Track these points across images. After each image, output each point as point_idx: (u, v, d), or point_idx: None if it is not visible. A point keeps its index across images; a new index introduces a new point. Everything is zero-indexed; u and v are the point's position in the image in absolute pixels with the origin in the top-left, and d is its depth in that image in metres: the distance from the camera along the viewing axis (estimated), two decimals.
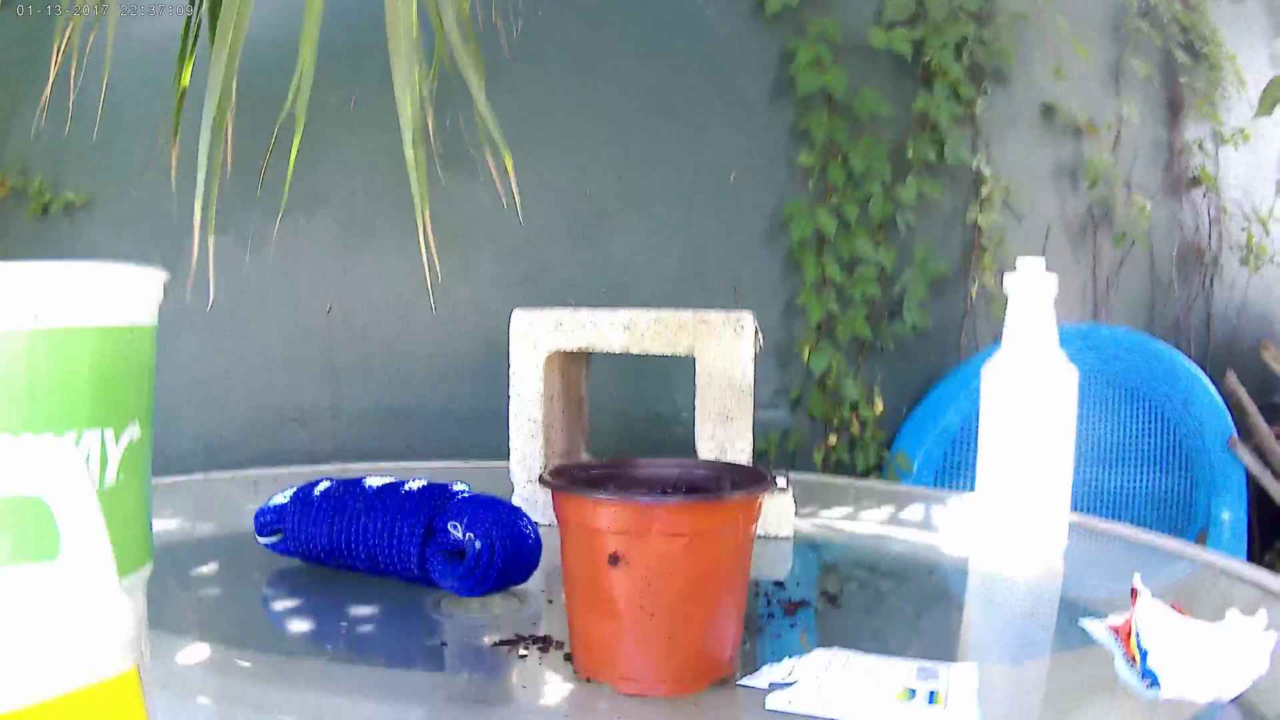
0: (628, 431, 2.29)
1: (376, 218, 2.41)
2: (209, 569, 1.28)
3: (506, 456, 1.48)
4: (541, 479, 0.86)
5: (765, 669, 0.86)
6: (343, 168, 2.40)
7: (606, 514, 0.80)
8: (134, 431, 0.71)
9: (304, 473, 1.54)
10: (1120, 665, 0.84)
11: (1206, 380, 2.69)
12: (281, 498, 1.24)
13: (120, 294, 0.70)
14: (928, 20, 2.67)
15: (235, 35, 1.49)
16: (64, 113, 1.88)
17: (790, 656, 0.88)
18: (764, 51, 2.61)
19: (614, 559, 0.79)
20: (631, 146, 2.55)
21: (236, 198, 2.11)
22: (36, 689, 0.45)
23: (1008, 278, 1.31)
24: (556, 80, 2.50)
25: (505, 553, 1.08)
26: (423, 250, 1.49)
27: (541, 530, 1.13)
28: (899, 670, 0.86)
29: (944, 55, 2.66)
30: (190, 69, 1.73)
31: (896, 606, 1.17)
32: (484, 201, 2.34)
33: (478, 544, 1.07)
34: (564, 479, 0.86)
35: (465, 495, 1.14)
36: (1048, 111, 2.98)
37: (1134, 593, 0.85)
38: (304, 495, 1.22)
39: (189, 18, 1.75)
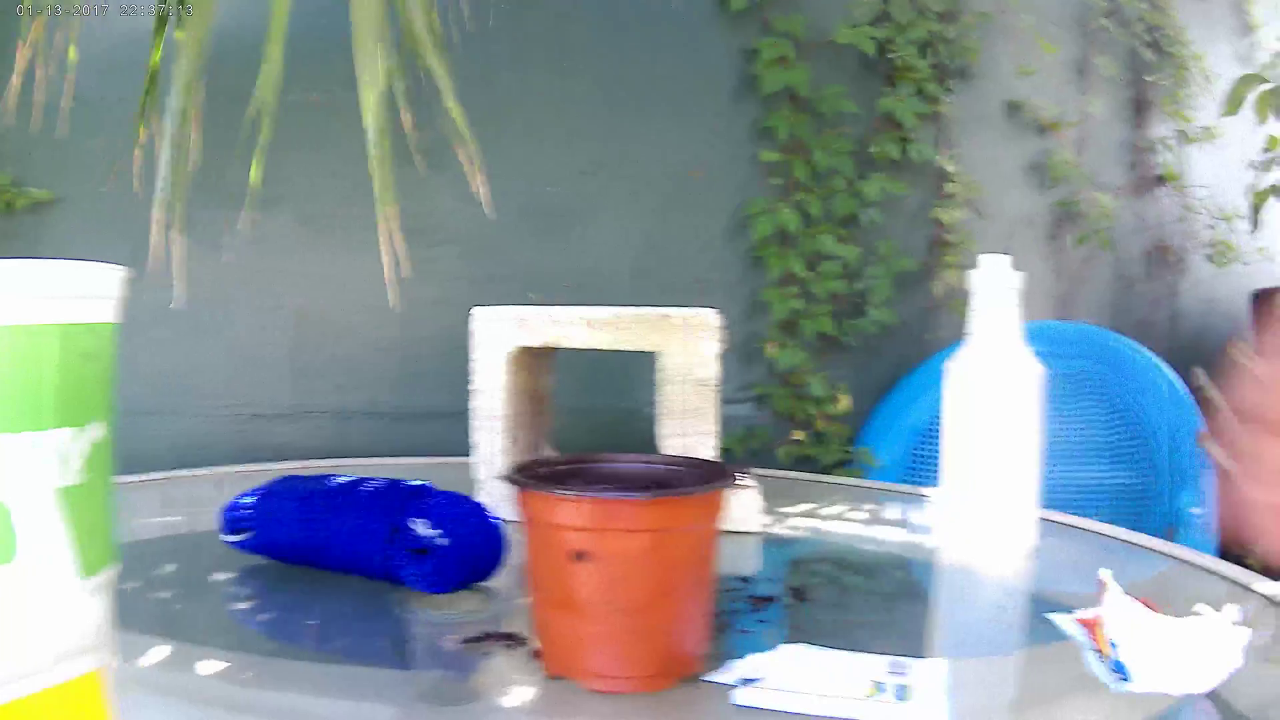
0: (591, 428, 2.28)
1: (339, 216, 2.41)
2: (177, 568, 1.27)
3: (470, 454, 1.48)
4: (505, 476, 0.85)
5: (733, 664, 0.86)
6: (305, 165, 2.39)
7: (570, 511, 0.80)
8: (96, 431, 0.71)
9: (270, 470, 1.53)
10: (1090, 659, 0.84)
11: (1172, 375, 2.70)
12: (248, 496, 1.23)
13: (81, 292, 0.70)
14: (893, 19, 2.68)
15: (202, 26, 1.48)
16: (30, 110, 1.86)
17: (758, 652, 0.88)
18: (728, 49, 2.61)
19: (578, 556, 0.79)
20: (595, 143, 2.54)
21: (202, 196, 2.10)
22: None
23: (971, 274, 1.31)
24: (519, 76, 2.50)
25: (470, 549, 1.08)
26: (384, 249, 1.48)
27: (508, 527, 1.13)
28: (868, 665, 0.86)
29: (909, 52, 2.67)
30: (159, 53, 1.72)
31: (865, 602, 1.17)
32: (447, 199, 2.33)
33: (442, 541, 1.07)
34: (526, 476, 0.86)
35: (430, 492, 1.14)
36: (1013, 109, 2.99)
37: (1102, 587, 0.86)
38: (270, 493, 1.22)
39: (160, 9, 1.74)
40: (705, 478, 0.87)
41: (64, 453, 0.68)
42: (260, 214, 2.34)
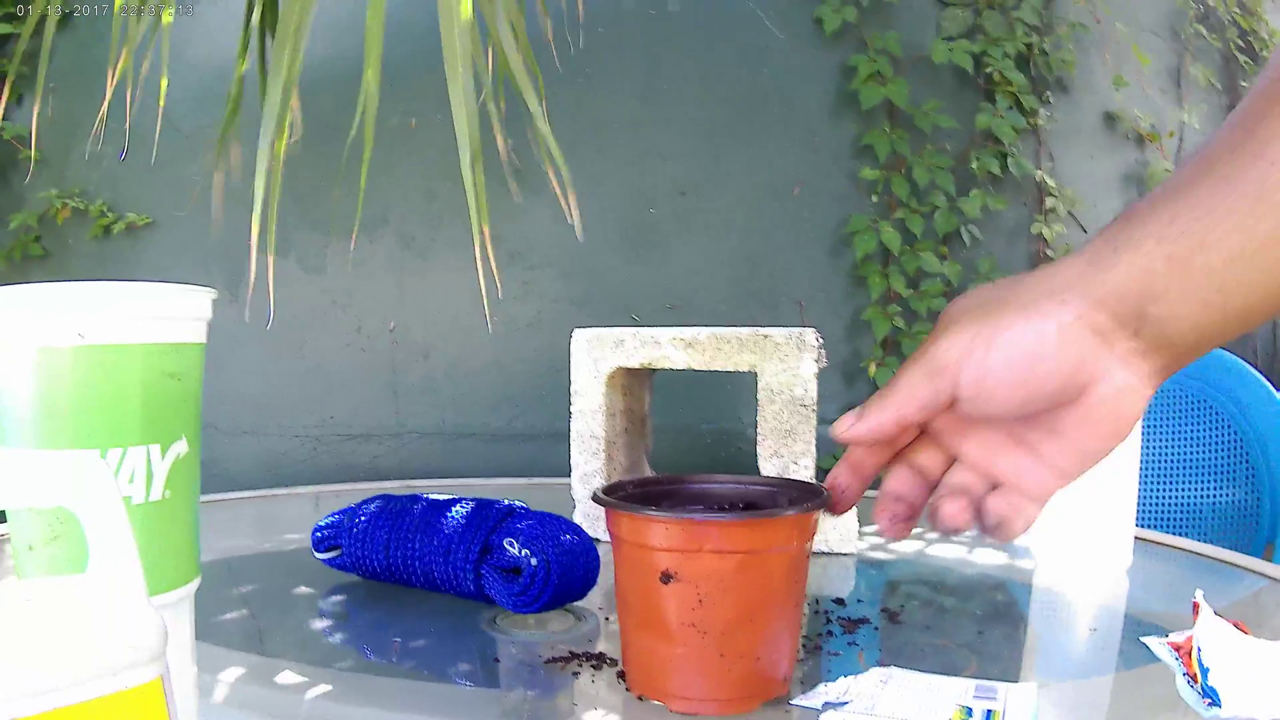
0: (691, 448, 2.28)
1: (438, 238, 2.42)
2: (265, 583, 1.29)
3: (567, 474, 1.48)
4: (595, 495, 0.85)
5: (821, 688, 0.85)
6: (403, 188, 2.41)
7: (658, 531, 0.79)
8: (180, 447, 0.72)
9: (363, 489, 1.54)
10: (1181, 684, 0.82)
11: (1272, 389, 2.64)
12: (340, 514, 1.24)
13: (165, 313, 0.71)
14: (986, 33, 2.65)
15: (293, 56, 1.49)
16: (123, 136, 1.90)
17: (847, 675, 0.87)
18: (825, 68, 2.60)
19: (666, 577, 0.78)
20: (693, 163, 2.54)
21: (298, 219, 2.12)
22: (60, 695, 0.46)
23: None
24: (618, 98, 2.51)
25: (561, 570, 1.08)
26: (479, 271, 1.48)
27: (600, 547, 1.12)
28: (956, 689, 0.85)
29: (1005, 66, 2.64)
30: (239, 86, 1.74)
31: (958, 624, 1.16)
32: (546, 221, 2.34)
33: (534, 561, 1.07)
34: (617, 496, 0.85)
35: (523, 512, 1.14)
36: (1110, 121, 2.95)
37: (1195, 609, 0.84)
38: (362, 511, 1.23)
39: (246, 31, 1.76)
40: (798, 498, 0.86)
41: (146, 469, 0.69)
42: (360, 236, 2.36)
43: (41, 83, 1.78)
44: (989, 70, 2.65)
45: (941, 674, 0.88)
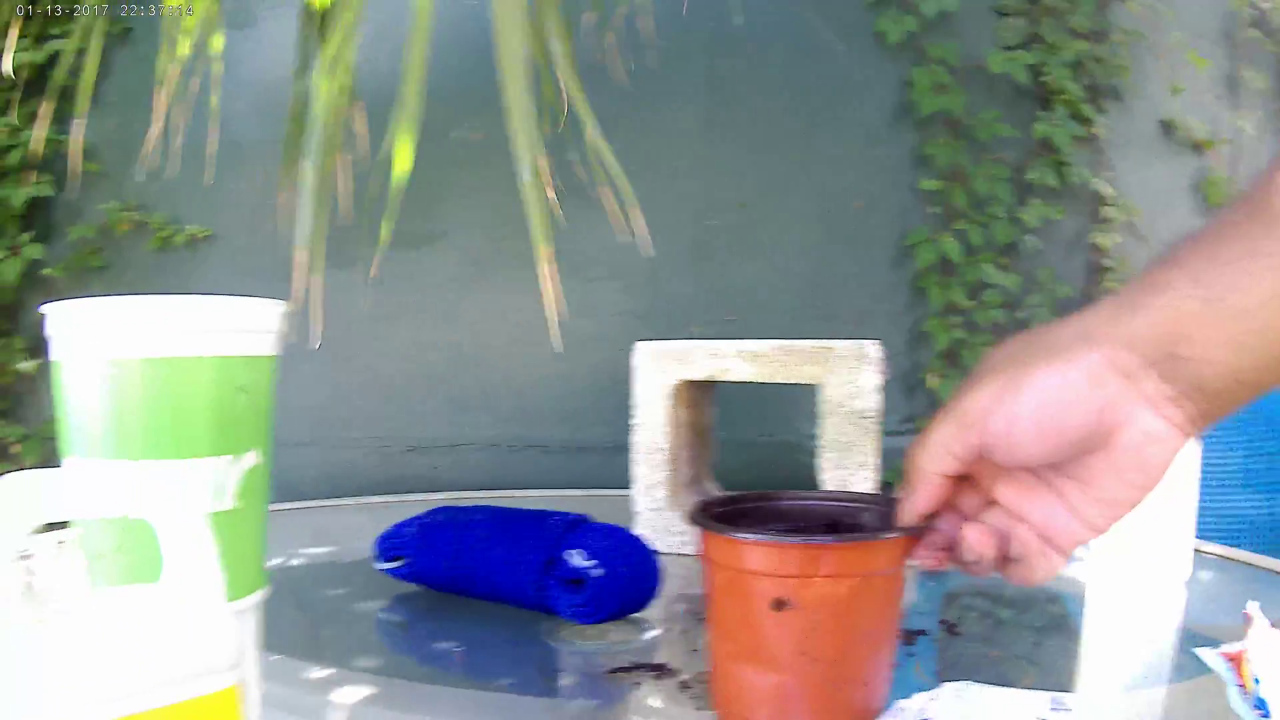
0: (750, 461, 2.27)
1: (499, 251, 2.43)
2: (327, 593, 1.29)
3: (629, 486, 1.48)
4: (691, 517, 0.83)
5: (897, 704, 0.84)
6: (466, 202, 2.42)
7: (766, 555, 0.77)
8: (251, 459, 0.72)
9: (424, 501, 1.55)
10: (1233, 695, 0.81)
11: None
12: (405, 525, 1.25)
13: (234, 326, 0.71)
14: (1044, 42, 2.64)
15: (342, 67, 1.50)
16: (182, 151, 1.91)
17: (920, 691, 0.87)
18: (883, 79, 2.60)
19: (779, 604, 0.76)
20: (754, 176, 2.54)
21: (364, 232, 2.13)
22: (136, 701, 0.47)
23: None
24: (678, 112, 2.51)
25: (625, 581, 1.08)
26: (543, 289, 1.49)
27: (663, 559, 1.12)
28: (1031, 702, 0.84)
29: (1062, 74, 2.63)
30: (299, 100, 1.75)
31: (1015, 636, 1.15)
32: (608, 234, 2.34)
33: (597, 572, 1.07)
34: (708, 517, 0.82)
35: (586, 524, 1.14)
36: (1167, 128, 2.93)
37: (1248, 620, 0.83)
38: (426, 522, 1.23)
39: (303, 45, 1.77)
40: (886, 516, 0.83)
41: (217, 480, 0.70)
42: (420, 249, 2.37)
43: (85, 96, 1.79)
44: (1045, 79, 2.64)
45: (1008, 686, 0.88)
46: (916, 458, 0.74)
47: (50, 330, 0.70)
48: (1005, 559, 0.76)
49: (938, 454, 0.72)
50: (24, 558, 0.83)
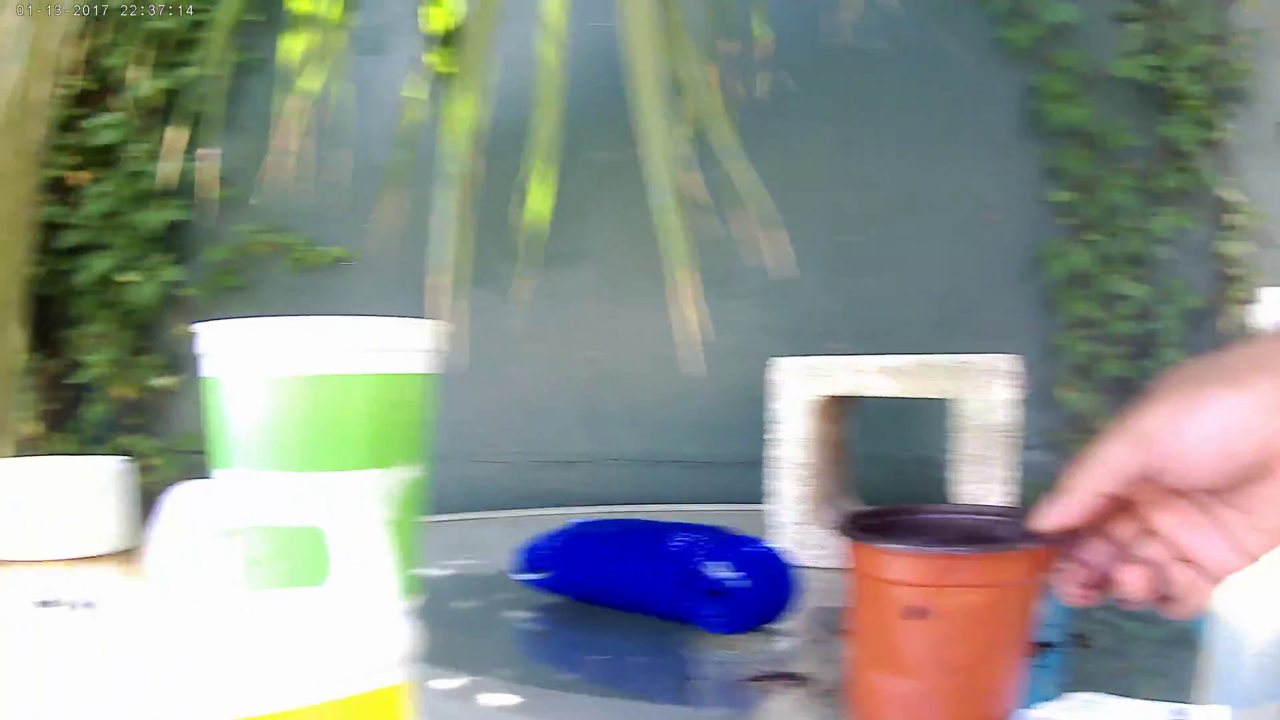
0: (885, 476, 2.26)
1: (637, 269, 2.44)
2: (469, 603, 1.31)
3: (763, 500, 1.48)
4: (839, 528, 0.84)
5: (1023, 715, 0.84)
6: (604, 221, 2.44)
7: (907, 565, 0.79)
8: (405, 472, 0.74)
9: (562, 515, 1.56)
10: None
11: None
12: (546, 537, 1.26)
13: (387, 345, 0.73)
14: (1167, 46, 2.60)
15: (478, 91, 1.52)
16: (317, 175, 1.95)
17: (1041, 700, 0.87)
18: (1008, 87, 2.58)
19: (917, 612, 0.77)
20: (885, 190, 2.54)
21: (503, 250, 2.16)
22: (304, 694, 0.49)
23: (1254, 310, 1.27)
24: (809, 126, 2.51)
25: (764, 592, 1.09)
26: (684, 310, 1.49)
27: (801, 572, 1.13)
28: (1153, 714, 0.84)
29: (1186, 79, 2.58)
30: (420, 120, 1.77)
31: (1143, 648, 1.14)
32: (743, 250, 2.35)
33: (738, 584, 1.08)
34: (856, 528, 0.84)
35: (727, 536, 1.15)
36: None
37: None
38: (569, 533, 1.25)
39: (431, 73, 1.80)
40: (1022, 528, 0.84)
41: (373, 491, 0.72)
42: (560, 268, 2.40)
43: (213, 124, 1.82)
44: (1168, 85, 2.59)
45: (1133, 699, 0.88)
46: (1073, 476, 0.74)
47: (203, 348, 0.73)
48: (1158, 596, 0.76)
49: (1099, 473, 0.72)
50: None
